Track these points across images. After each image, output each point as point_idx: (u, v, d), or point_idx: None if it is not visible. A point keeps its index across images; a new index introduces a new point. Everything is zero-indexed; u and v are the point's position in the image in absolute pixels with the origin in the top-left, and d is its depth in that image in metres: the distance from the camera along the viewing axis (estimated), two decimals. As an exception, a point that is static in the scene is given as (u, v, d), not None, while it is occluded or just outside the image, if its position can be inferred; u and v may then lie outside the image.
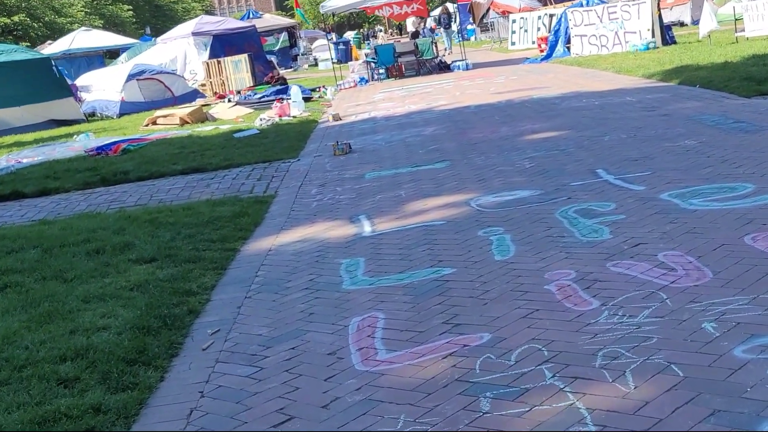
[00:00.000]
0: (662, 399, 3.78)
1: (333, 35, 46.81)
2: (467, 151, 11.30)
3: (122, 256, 7.63)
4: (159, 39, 38.37)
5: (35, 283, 7.07)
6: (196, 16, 50.76)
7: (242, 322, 5.79)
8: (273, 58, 37.56)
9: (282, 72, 34.71)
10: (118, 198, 11.26)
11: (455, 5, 42.92)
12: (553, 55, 26.93)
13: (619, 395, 3.88)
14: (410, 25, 45.65)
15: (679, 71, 16.98)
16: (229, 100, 23.69)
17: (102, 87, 27.66)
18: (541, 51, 28.66)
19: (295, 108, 19.30)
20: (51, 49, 41.79)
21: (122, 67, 30.29)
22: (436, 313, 5.33)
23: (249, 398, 4.53)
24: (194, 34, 32.96)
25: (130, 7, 70.20)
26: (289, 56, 47.64)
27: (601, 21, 25.28)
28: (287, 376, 4.74)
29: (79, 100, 27.59)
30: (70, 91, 26.36)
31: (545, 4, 39.54)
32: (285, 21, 51.97)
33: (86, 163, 14.56)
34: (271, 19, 50.52)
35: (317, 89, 25.27)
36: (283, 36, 47.92)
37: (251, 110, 21.13)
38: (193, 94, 27.38)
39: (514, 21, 36.80)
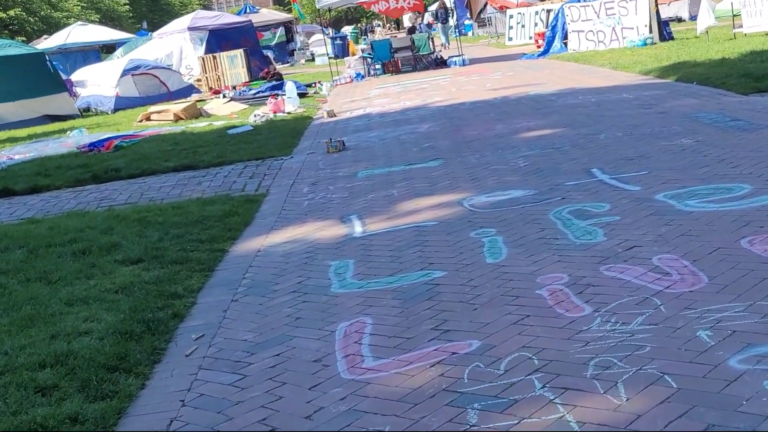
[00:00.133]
0: (655, 412, 3.65)
1: (330, 30, 46.70)
2: (461, 149, 11.17)
3: (108, 257, 7.50)
4: (155, 34, 38.25)
5: (19, 284, 6.94)
6: (194, 10, 50.58)
7: (227, 326, 5.67)
8: (270, 53, 37.40)
9: (279, 67, 34.58)
10: (109, 196, 11.13)
11: (452, 0, 42.79)
12: (550, 50, 26.80)
13: (611, 408, 3.75)
14: (407, 20, 45.54)
15: (677, 68, 16.85)
16: (224, 96, 23.56)
17: (97, 82, 27.49)
18: (538, 47, 28.52)
19: (290, 104, 19.16)
20: (46, 43, 41.61)
21: (117, 62, 30.12)
22: (425, 318, 5.20)
23: (231, 408, 4.41)
24: (190, 29, 32.81)
25: (127, 1, 69.97)
26: (286, 51, 47.48)
27: (598, 16, 25.14)
28: (271, 385, 4.61)
29: (74, 95, 27.43)
30: (65, 87, 26.21)
31: (542, 0, 39.37)
32: (282, 16, 51.77)
33: (78, 159, 14.42)
34: (268, 14, 50.34)
35: (313, 85, 25.14)
36: (280, 31, 47.78)
37: (246, 106, 21.00)
38: (188, 90, 27.23)
39: (511, 16, 36.66)
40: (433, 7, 48.37)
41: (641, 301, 4.92)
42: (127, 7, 69.28)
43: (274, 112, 18.45)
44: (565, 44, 26.41)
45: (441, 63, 28.67)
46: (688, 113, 11.32)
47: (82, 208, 10.36)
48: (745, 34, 21.75)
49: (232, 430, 4.17)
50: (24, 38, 50.04)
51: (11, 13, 55.64)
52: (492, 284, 5.63)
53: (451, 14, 42.01)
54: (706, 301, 4.76)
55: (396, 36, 31.26)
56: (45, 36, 49.24)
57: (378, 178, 10.01)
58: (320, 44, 40.67)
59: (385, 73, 28.15)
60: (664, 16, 27.14)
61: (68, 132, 19.37)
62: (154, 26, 55.56)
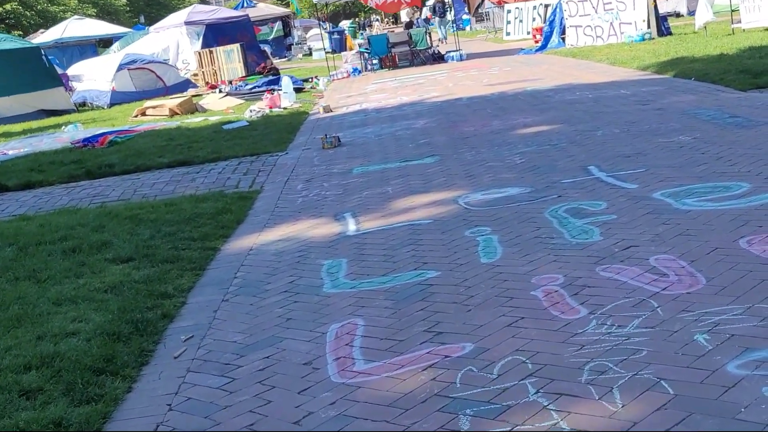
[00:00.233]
0: (651, 420, 3.56)
1: (327, 25, 46.55)
2: (458, 146, 11.07)
3: (99, 255, 7.40)
4: (152, 28, 38.07)
5: (7, 283, 6.84)
6: (191, 4, 50.37)
7: (217, 327, 5.57)
8: (267, 48, 37.25)
9: (276, 62, 34.46)
10: (101, 192, 11.03)
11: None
12: (548, 45, 26.66)
13: (606, 415, 3.66)
14: (404, 15, 45.39)
15: (675, 63, 16.75)
16: (220, 91, 23.43)
17: (93, 76, 27.40)
18: (536, 42, 28.38)
19: (286, 99, 19.05)
20: (43, 37, 41.45)
21: (113, 56, 30.01)
22: (417, 320, 5.11)
23: (218, 412, 4.31)
24: (187, 23, 32.66)
25: (125, -6, 69.76)
26: (283, 46, 47.34)
27: (596, 12, 25.01)
28: (260, 388, 4.52)
29: (70, 89, 27.32)
30: (60, 81, 26.10)
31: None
32: (279, 10, 51.55)
33: (72, 155, 14.32)
34: (265, 8, 50.11)
35: (309, 80, 25.03)
36: (278, 25, 47.59)
37: (242, 101, 20.88)
38: (185, 84, 27.11)
39: (509, 11, 36.51)
40: (431, 2, 48.25)
41: (637, 303, 4.83)
42: (124, 1, 69.03)
43: (270, 108, 18.35)
44: (563, 39, 26.29)
45: (438, 58, 28.55)
46: (686, 110, 11.22)
47: (74, 205, 10.26)
48: (744, 30, 21.64)
49: (219, 436, 4.09)
50: (20, 32, 49.85)
51: (7, 7, 55.45)
52: (486, 285, 5.53)
53: (448, 9, 41.93)
54: (703, 304, 4.67)
55: (393, 31, 31.14)
56: (41, 30, 49.06)
57: (373, 175, 9.91)
58: (318, 39, 40.57)
59: (382, 68, 28.03)
60: (662, 11, 27.01)
61: (63, 127, 19.28)
62: (152, 20, 55.37)
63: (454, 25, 35.96)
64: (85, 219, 8.93)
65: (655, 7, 24.53)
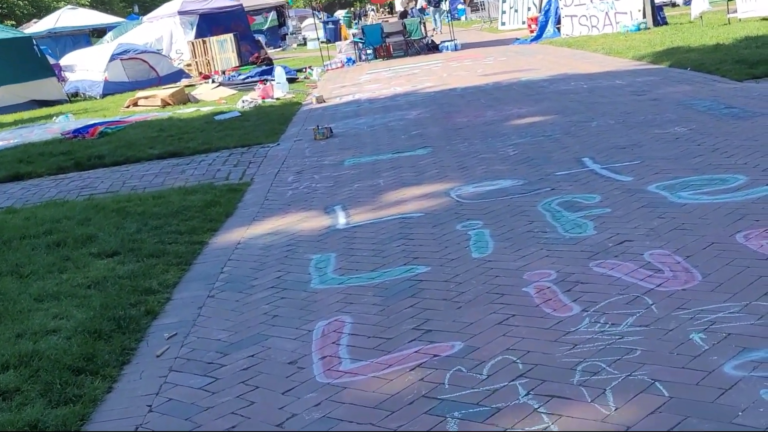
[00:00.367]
0: (645, 423, 3.43)
1: (322, 14, 46.31)
2: (451, 137, 10.93)
3: (84, 250, 7.25)
4: (145, 18, 37.81)
5: (-11, 279, 6.70)
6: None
7: (202, 324, 5.44)
8: (261, 38, 37.05)
9: (270, 52, 34.23)
10: (90, 184, 10.88)
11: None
12: (543, 35, 26.51)
13: (599, 418, 3.53)
14: (399, 4, 45.19)
15: (670, 53, 16.61)
16: (213, 81, 23.26)
17: (86, 67, 27.19)
18: (531, 31, 28.23)
19: (279, 89, 18.89)
20: (36, 27, 41.19)
21: (106, 46, 29.79)
22: (406, 317, 4.98)
23: (199, 414, 4.18)
24: (180, 13, 32.41)
25: (118, -16, 69.37)
26: (277, 35, 47.09)
27: (591, 1, 24.85)
28: (243, 389, 4.39)
29: (62, 80, 27.13)
30: (53, 71, 25.91)
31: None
32: (274, 0, 51.31)
33: (62, 146, 14.15)
34: (259, -2, 49.86)
35: (303, 70, 24.86)
36: (272, 15, 47.33)
37: (235, 91, 20.71)
38: (178, 74, 26.92)
39: (504, 1, 36.30)
40: (426, -8, 47.99)
41: (632, 300, 4.70)
42: (118, -10, 68.68)
43: (263, 98, 18.18)
44: (558, 29, 26.13)
45: (433, 48, 28.39)
46: (682, 100, 11.09)
47: (62, 197, 10.11)
48: (740, 20, 21.51)
49: (200, 439, 3.96)
50: (14, 22, 49.56)
51: (1, -4, 55.18)
52: (477, 281, 5.40)
53: (443, -2, 41.69)
54: (699, 301, 4.54)
55: (388, 21, 30.93)
56: (34, 20, 48.79)
57: (364, 167, 9.77)
58: (312, 29, 40.31)
59: (376, 58, 27.87)
60: (657, 0, 26.86)
61: (54, 118, 19.11)
62: (146, 10, 55.03)
63: (449, 15, 35.74)
64: (71, 212, 8.78)
65: (651, -4, 24.38)
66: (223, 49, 27.67)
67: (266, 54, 28.92)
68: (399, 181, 8.70)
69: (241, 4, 36.52)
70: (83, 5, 53.87)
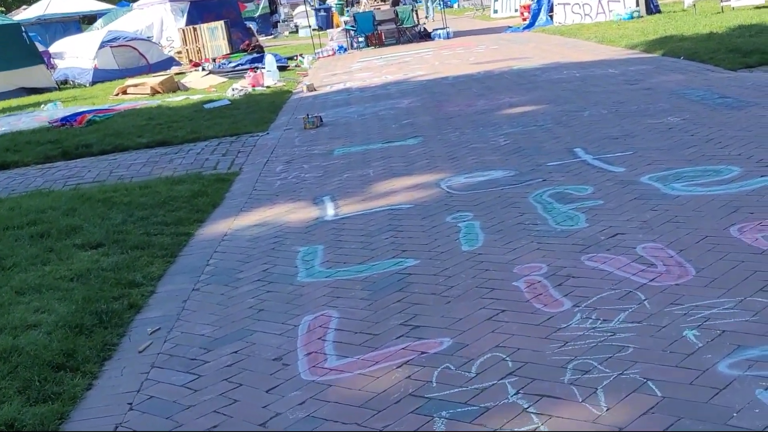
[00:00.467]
0: (637, 424, 3.34)
1: (314, 1, 46.04)
2: (442, 126, 10.81)
3: (68, 241, 7.13)
4: (135, 5, 37.51)
5: (-30, 271, 6.57)
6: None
7: (186, 318, 5.33)
8: (252, 25, 36.84)
9: (261, 39, 34.07)
10: (77, 173, 10.75)
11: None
12: (536, 23, 26.40)
13: (590, 419, 3.43)
14: (392, -8, 44.88)
15: (663, 42, 16.51)
16: (204, 69, 23.09)
17: (75, 54, 26.97)
18: (524, 19, 28.10)
19: (269, 78, 18.74)
20: (25, 14, 40.84)
21: (96, 33, 29.53)
22: (394, 312, 4.87)
23: (181, 413, 4.07)
24: (171, 0, 32.17)
25: (109, -29, 68.86)
26: (269, 23, 46.89)
27: (584, -11, 24.73)
28: (226, 386, 4.28)
29: (52, 67, 26.92)
30: (42, 59, 25.70)
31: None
32: (265, -13, 51.04)
33: (49, 134, 14.00)
34: (251, -15, 49.59)
35: (294, 58, 24.70)
36: (264, 2, 47.12)
37: (225, 79, 20.57)
38: (168, 62, 26.73)
39: (497, -12, 36.16)
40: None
41: (624, 296, 4.60)
42: (109, -23, 68.17)
43: (253, 86, 18.05)
44: (551, 17, 26.02)
45: (425, 36, 28.25)
46: (675, 90, 10.99)
47: (48, 187, 9.98)
48: (733, 8, 21.41)
49: (181, 439, 3.85)
50: (2, 9, 49.20)
51: (-10, -17, 54.74)
52: (467, 274, 5.29)
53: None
54: (693, 296, 4.44)
55: (380, 8, 30.81)
56: (24, 6, 48.39)
57: (354, 157, 9.65)
58: (304, 16, 40.07)
59: (368, 46, 27.72)
60: (651, -12, 26.72)
61: (43, 105, 18.94)
62: (137, -3, 54.62)
63: (442, 2, 35.56)
64: (57, 202, 8.65)
65: (644, -16, 24.26)
66: (214, 36, 27.50)
67: (257, 41, 28.81)
68: (389, 172, 8.58)
69: (232, -9, 36.30)
70: (74, -8, 53.40)
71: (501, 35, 25.78)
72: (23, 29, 25.62)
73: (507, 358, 4.07)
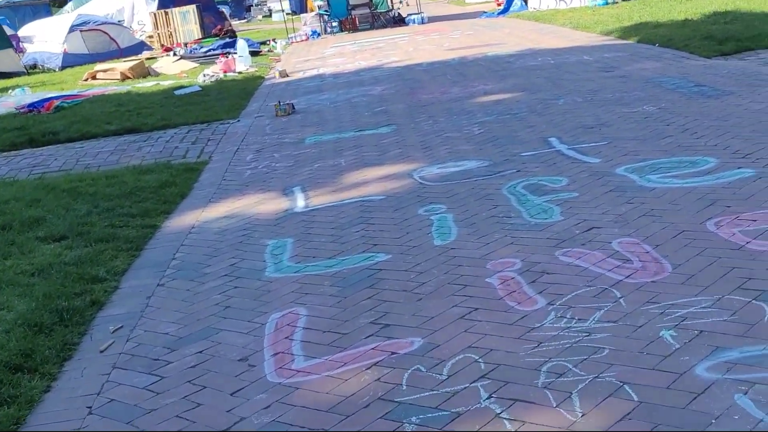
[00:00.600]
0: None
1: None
2: (415, 114, 10.67)
3: (30, 234, 6.94)
4: (106, -12, 37.08)
5: (-72, 265, 6.37)
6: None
7: (150, 316, 5.16)
8: (225, 9, 36.49)
9: (234, 23, 33.74)
10: (43, 162, 10.53)
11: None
12: (511, 8, 26.29)
13: (564, 425, 3.31)
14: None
15: (638, 28, 16.44)
16: (174, 54, 22.80)
17: (44, 38, 26.57)
18: (499, 5, 27.99)
19: (241, 63, 18.52)
20: (-6, -3, 40.31)
21: (66, 17, 29.15)
22: (364, 309, 4.73)
23: (142, 417, 3.92)
24: (142, -18, 31.81)
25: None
26: (242, 7, 46.50)
27: (559, -26, 24.63)
28: (189, 389, 4.13)
29: (21, 51, 26.52)
30: (10, 42, 25.30)
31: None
32: (239, -30, 50.57)
33: (16, 121, 13.76)
34: (224, -32, 49.11)
35: (267, 42, 24.45)
36: (237, -15, 46.70)
37: (196, 65, 20.30)
38: (139, 47, 26.41)
39: (471, -27, 35.99)
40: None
41: (599, 293, 4.48)
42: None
43: (225, 72, 17.82)
44: (526, 2, 25.90)
45: (399, 21, 28.06)
46: (650, 77, 10.90)
47: (12, 176, 9.76)
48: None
49: (141, 446, 3.71)
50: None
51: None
52: (439, 270, 5.16)
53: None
54: (669, 294, 4.34)
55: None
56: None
57: (326, 145, 9.49)
58: (278, 0, 39.78)
59: (342, 31, 27.50)
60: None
61: (10, 91, 18.61)
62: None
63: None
64: (21, 192, 8.44)
65: (619, -30, 24.19)
66: (186, 20, 27.19)
67: (230, 26, 28.53)
68: (361, 161, 8.44)
69: (204, -25, 35.91)
70: (44, -26, 52.76)
71: (476, 20, 25.64)
72: (-10, 13, 25.22)
73: (479, 360, 3.95)
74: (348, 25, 27.58)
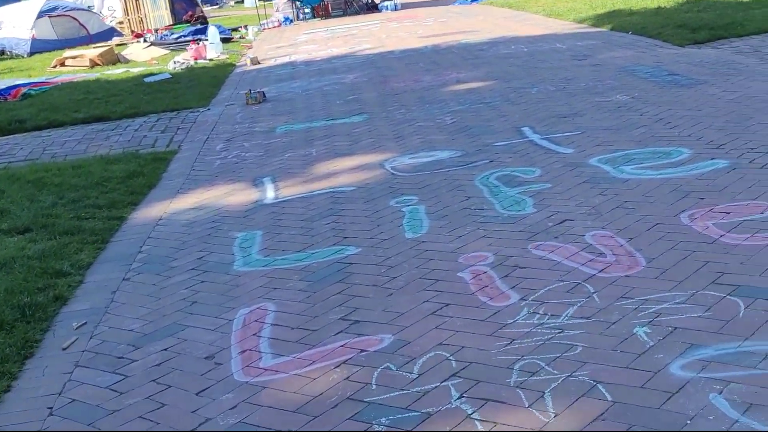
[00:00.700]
0: (587, 433, 3.16)
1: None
2: (387, 103, 10.56)
3: (-7, 226, 6.79)
4: (76, -27, 36.61)
5: None
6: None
7: (114, 312, 5.04)
8: (197, -5, 36.12)
9: (206, 9, 33.42)
10: (8, 151, 10.33)
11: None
12: (484, -5, 26.15)
13: (536, 426, 3.24)
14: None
15: (612, 16, 16.40)
16: (145, 40, 22.54)
17: (12, 23, 26.17)
18: (472, -9, 27.83)
19: (212, 50, 18.31)
20: (-39, -19, 39.66)
21: (34, 2, 28.66)
22: (333, 305, 4.64)
23: (104, 419, 3.81)
24: (112, -32, 31.38)
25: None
26: (214, -8, 46.12)
27: (533, -39, 24.51)
28: (154, 388, 4.02)
29: (-13, 37, 26.13)
30: (-24, 29, 24.93)
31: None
32: (211, -45, 50.12)
33: (-18, 109, 13.51)
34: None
35: (238, 29, 24.22)
36: (209, -29, 46.27)
37: (167, 51, 20.07)
38: (109, 33, 26.07)
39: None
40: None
41: (572, 288, 4.41)
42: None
43: (195, 59, 17.61)
44: (499, -11, 25.77)
45: (372, 7, 27.92)
46: (624, 66, 10.85)
47: (-23, 166, 9.57)
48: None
49: (103, 448, 3.60)
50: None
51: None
52: (410, 264, 5.07)
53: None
54: (643, 289, 4.27)
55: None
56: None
57: (297, 135, 9.37)
58: (250, -15, 39.46)
59: (314, 17, 27.30)
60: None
61: (-24, 78, 18.32)
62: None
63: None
64: (-16, 183, 8.27)
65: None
66: (157, 6, 26.91)
67: (201, 12, 28.24)
68: (332, 151, 8.33)
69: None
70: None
71: (449, 7, 25.53)
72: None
73: (451, 357, 3.87)
74: (321, 11, 27.40)
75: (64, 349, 4.60)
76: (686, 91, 8.81)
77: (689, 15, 14.62)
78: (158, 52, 19.84)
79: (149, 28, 25.87)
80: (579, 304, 4.21)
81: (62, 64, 19.05)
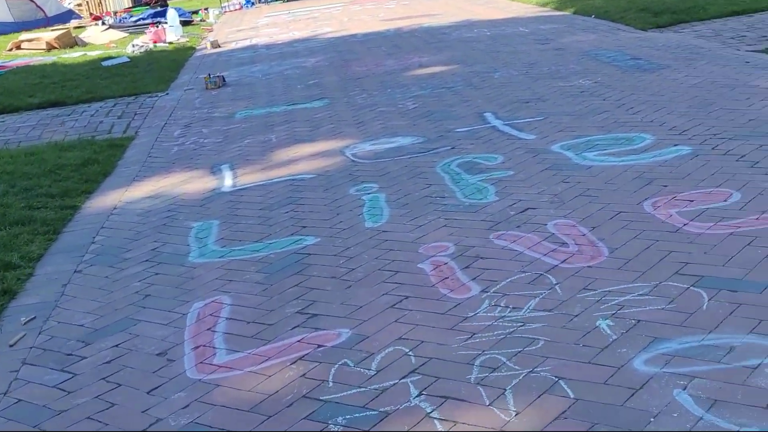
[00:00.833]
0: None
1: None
2: (349, 88, 10.42)
3: (-59, 216, 6.58)
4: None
5: None
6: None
7: (64, 306, 4.89)
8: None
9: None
10: (-40, 137, 10.08)
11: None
12: (447, -22, 26.00)
13: (497, 426, 3.14)
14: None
15: None
16: (103, 23, 22.18)
17: (-33, 6, 25.69)
18: (435, -26, 27.67)
19: (172, 33, 18.05)
20: None
21: (-10, -16, 28.21)
22: (290, 298, 4.52)
23: (50, 420, 3.67)
24: (70, -51, 30.86)
25: None
26: (175, -26, 45.53)
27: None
28: (103, 387, 3.88)
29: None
30: (-70, 11, 24.41)
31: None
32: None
33: (-66, 94, 13.18)
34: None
35: (199, 12, 23.92)
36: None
37: (126, 35, 19.76)
38: (67, 15, 25.68)
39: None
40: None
41: (534, 279, 4.32)
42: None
43: (155, 42, 17.35)
44: (462, -28, 25.64)
45: (335, -10, 27.63)
46: (587, 50, 10.79)
47: (-73, 153, 9.31)
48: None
49: (48, 451, 3.46)
50: None
51: None
52: (369, 255, 4.96)
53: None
54: (606, 280, 4.19)
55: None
56: None
57: (257, 120, 9.22)
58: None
59: (276, 0, 27.00)
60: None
61: (-71, 61, 17.91)
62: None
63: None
64: (-66, 170, 8.04)
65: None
66: (116, -12, 26.46)
67: (161, -6, 27.83)
68: (292, 137, 8.19)
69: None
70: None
71: (412, -10, 25.34)
72: None
73: (410, 353, 3.77)
74: (282, -6, 27.12)
75: (11, 346, 4.45)
76: (649, 75, 8.77)
77: (652, -1, 14.60)
78: (117, 35, 19.53)
79: (108, 10, 25.50)
80: (541, 296, 4.12)
81: (18, 48, 18.69)
